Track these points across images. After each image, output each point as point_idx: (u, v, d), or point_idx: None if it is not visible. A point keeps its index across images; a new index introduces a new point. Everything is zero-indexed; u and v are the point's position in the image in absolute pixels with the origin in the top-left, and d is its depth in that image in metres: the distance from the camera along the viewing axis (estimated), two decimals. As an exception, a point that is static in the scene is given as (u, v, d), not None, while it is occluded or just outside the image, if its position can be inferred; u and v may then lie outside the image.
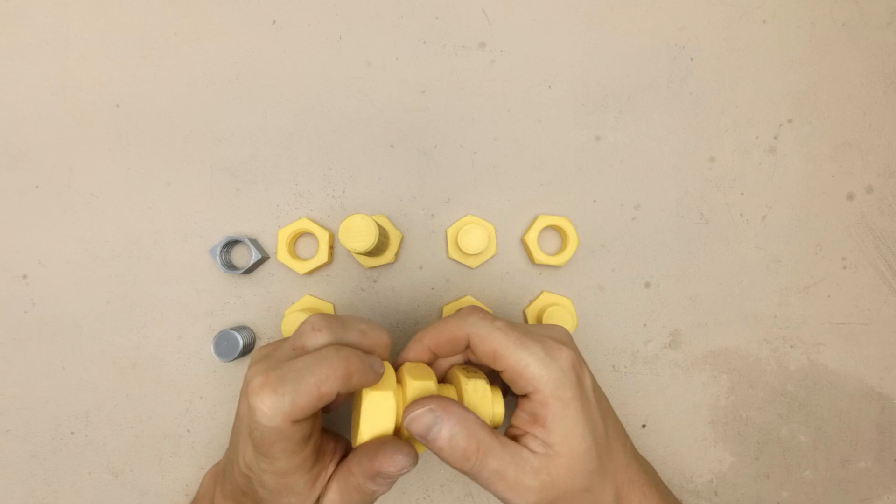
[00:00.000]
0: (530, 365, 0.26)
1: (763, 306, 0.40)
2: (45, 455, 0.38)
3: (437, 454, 0.25)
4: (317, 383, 0.23)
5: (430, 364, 0.29)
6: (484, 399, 0.27)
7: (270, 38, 0.39)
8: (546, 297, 0.38)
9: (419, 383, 0.26)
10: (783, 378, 0.40)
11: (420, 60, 0.40)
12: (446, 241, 0.39)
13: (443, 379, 0.30)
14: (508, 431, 0.28)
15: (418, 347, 0.29)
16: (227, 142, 0.39)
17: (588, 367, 0.29)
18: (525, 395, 0.27)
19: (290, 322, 0.36)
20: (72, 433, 0.38)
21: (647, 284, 0.40)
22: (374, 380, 0.26)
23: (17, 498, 0.38)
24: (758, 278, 0.40)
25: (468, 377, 0.28)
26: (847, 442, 0.40)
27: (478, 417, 0.26)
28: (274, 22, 0.39)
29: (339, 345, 0.25)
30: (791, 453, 0.40)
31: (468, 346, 0.28)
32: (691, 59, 0.40)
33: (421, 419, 0.25)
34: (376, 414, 0.25)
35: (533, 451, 0.26)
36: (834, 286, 0.40)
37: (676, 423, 0.40)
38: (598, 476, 0.27)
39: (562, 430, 0.26)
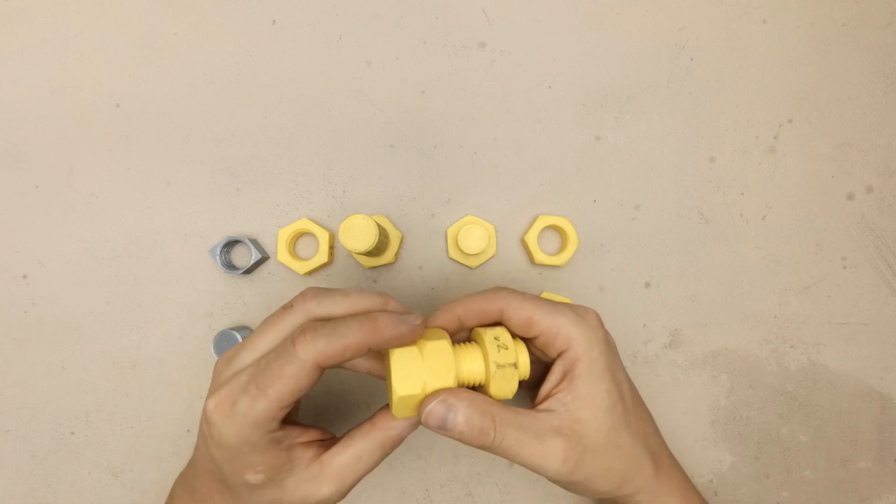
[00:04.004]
0: (564, 326, 0.27)
1: (763, 306, 0.40)
2: (45, 455, 0.38)
3: (458, 439, 0.26)
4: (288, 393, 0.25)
5: (454, 333, 0.30)
6: (506, 344, 0.27)
7: (270, 38, 0.39)
8: (546, 297, 0.38)
9: (434, 343, 0.26)
10: (783, 378, 0.40)
11: (420, 60, 0.40)
12: (446, 241, 0.39)
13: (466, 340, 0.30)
14: (538, 398, 0.28)
15: (448, 316, 0.29)
16: (227, 142, 0.39)
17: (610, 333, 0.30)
18: (557, 357, 0.28)
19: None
20: (72, 433, 0.38)
21: (647, 284, 0.40)
22: (408, 335, 0.26)
23: (17, 498, 0.38)
24: (758, 278, 0.40)
25: (488, 328, 0.28)
26: (847, 442, 0.40)
27: (488, 397, 0.27)
28: (274, 22, 0.39)
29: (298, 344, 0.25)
30: (791, 453, 0.40)
31: (498, 321, 0.29)
32: (691, 59, 0.40)
33: (435, 412, 0.25)
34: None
35: (552, 411, 0.27)
36: (834, 286, 0.40)
37: (676, 423, 0.40)
38: (628, 433, 0.27)
39: (588, 383, 0.27)
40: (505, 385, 0.27)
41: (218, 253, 0.37)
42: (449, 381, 0.26)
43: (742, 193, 0.40)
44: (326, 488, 0.27)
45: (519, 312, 0.28)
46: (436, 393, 0.26)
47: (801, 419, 0.40)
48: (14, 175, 0.39)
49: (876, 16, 0.40)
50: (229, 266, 0.38)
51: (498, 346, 0.27)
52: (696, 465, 0.40)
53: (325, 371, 0.26)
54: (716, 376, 0.40)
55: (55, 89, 0.39)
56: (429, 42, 0.40)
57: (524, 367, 0.28)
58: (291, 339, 0.25)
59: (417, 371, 0.26)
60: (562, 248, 0.39)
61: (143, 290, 0.39)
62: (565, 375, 0.27)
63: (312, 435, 0.28)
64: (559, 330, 0.27)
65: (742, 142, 0.40)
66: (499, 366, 0.26)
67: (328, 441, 0.29)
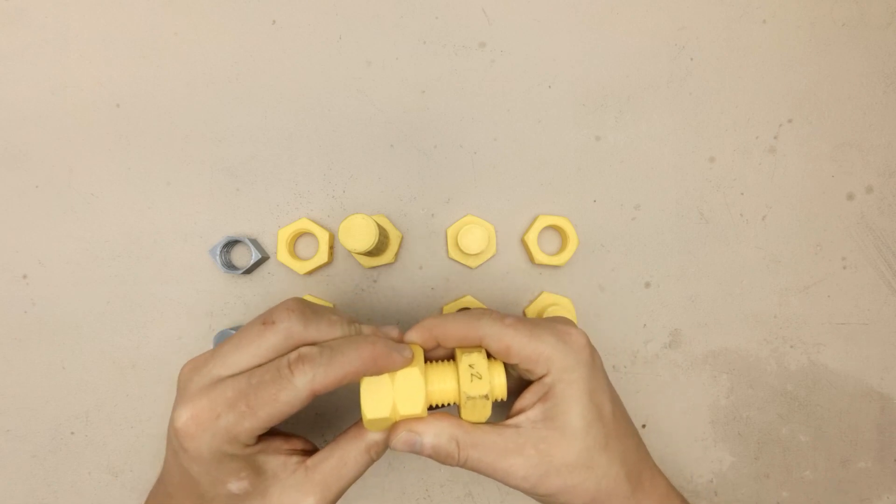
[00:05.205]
0: (543, 352, 0.27)
1: (763, 306, 0.40)
2: (45, 455, 0.38)
3: (430, 458, 0.28)
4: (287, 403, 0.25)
5: (431, 350, 0.30)
6: (480, 373, 0.27)
7: (270, 38, 0.39)
8: (546, 298, 0.38)
9: (405, 370, 0.27)
10: (783, 378, 0.40)
11: (420, 60, 0.40)
12: (446, 241, 0.39)
13: (448, 357, 0.30)
14: (511, 411, 0.29)
15: (425, 335, 0.29)
16: (227, 142, 0.39)
17: (596, 350, 0.30)
18: (537, 379, 0.28)
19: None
20: (72, 433, 0.38)
21: (647, 284, 0.40)
22: (399, 366, 0.27)
23: (17, 498, 0.38)
24: (758, 278, 0.40)
25: (465, 353, 0.28)
26: (847, 442, 0.40)
27: (455, 418, 0.27)
28: (274, 22, 0.39)
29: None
30: (791, 453, 0.40)
31: (479, 347, 0.29)
32: (691, 59, 0.40)
33: (404, 441, 0.27)
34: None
35: (519, 427, 0.27)
36: (834, 286, 0.40)
37: (676, 423, 0.40)
38: (603, 454, 0.27)
39: (563, 406, 0.27)
40: (476, 413, 0.27)
41: (218, 253, 0.37)
42: (417, 409, 0.26)
43: (742, 193, 0.40)
44: (311, 497, 0.26)
45: (498, 343, 0.27)
46: (404, 423, 0.27)
47: (801, 419, 0.40)
48: (14, 175, 0.39)
49: (876, 16, 0.40)
50: (229, 266, 0.38)
51: (472, 374, 0.27)
52: (696, 465, 0.40)
53: None
54: (716, 376, 0.40)
55: (55, 89, 0.39)
56: (429, 42, 0.40)
57: (499, 391, 0.28)
58: (288, 366, 0.25)
59: (387, 396, 0.26)
60: (562, 248, 0.39)
61: (143, 290, 0.39)
62: (540, 396, 0.27)
63: (296, 444, 0.28)
64: (538, 357, 0.27)
65: (742, 142, 0.40)
66: (469, 397, 0.27)
67: (312, 451, 0.29)
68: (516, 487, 0.27)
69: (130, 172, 0.39)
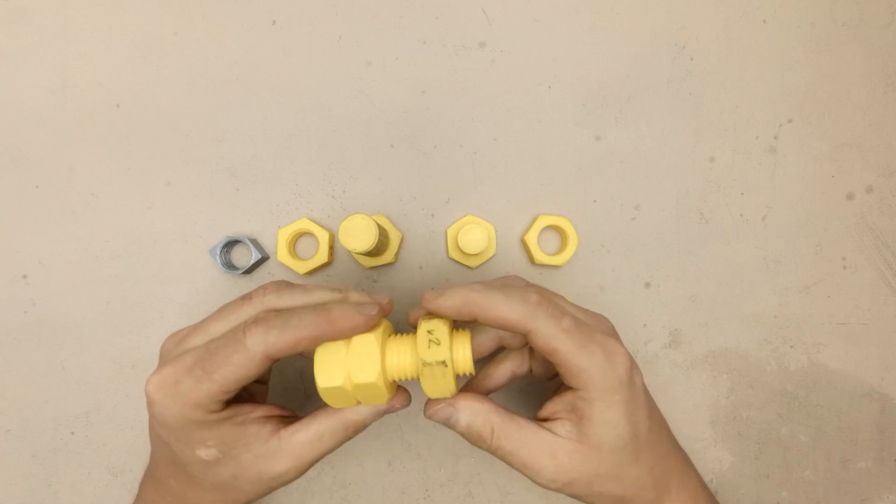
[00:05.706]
0: (589, 369, 0.26)
1: (763, 306, 0.40)
2: (45, 455, 0.38)
3: (460, 435, 0.28)
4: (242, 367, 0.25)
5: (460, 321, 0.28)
6: (439, 339, 0.25)
7: (270, 38, 0.39)
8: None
9: (360, 336, 0.25)
10: (783, 378, 0.40)
11: (420, 60, 0.40)
12: (446, 241, 0.39)
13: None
14: (542, 412, 0.28)
15: (458, 304, 0.26)
16: (227, 142, 0.39)
17: (637, 365, 0.29)
18: (572, 388, 0.27)
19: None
20: (72, 433, 0.38)
21: (647, 284, 0.40)
22: (363, 326, 0.25)
23: (17, 498, 0.38)
24: (758, 278, 0.40)
25: (425, 320, 0.26)
26: (847, 442, 0.40)
27: (495, 405, 0.27)
28: (274, 22, 0.39)
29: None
30: (791, 453, 0.40)
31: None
32: (691, 59, 0.40)
33: (439, 413, 0.27)
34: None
35: (556, 434, 0.27)
36: (834, 286, 0.40)
37: (676, 423, 0.40)
38: (633, 467, 0.28)
39: (599, 426, 0.27)
40: (436, 383, 0.25)
41: (218, 253, 0.37)
42: (371, 376, 0.25)
43: (742, 193, 0.40)
44: (283, 464, 0.26)
45: (546, 344, 0.26)
46: (454, 398, 0.27)
47: (801, 419, 0.40)
48: (14, 175, 0.39)
49: (876, 16, 0.40)
50: (229, 266, 0.38)
51: (430, 341, 0.25)
52: (696, 465, 0.40)
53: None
54: (716, 376, 0.40)
55: (55, 89, 0.39)
56: (429, 42, 0.40)
57: (462, 364, 0.26)
58: (243, 328, 0.25)
59: (341, 364, 0.25)
60: (562, 248, 0.39)
61: (143, 290, 0.39)
62: (575, 409, 0.27)
63: (267, 410, 0.28)
64: (581, 372, 0.26)
65: (742, 142, 0.40)
66: (426, 363, 0.25)
67: (289, 418, 0.28)
68: (540, 485, 0.27)
69: (130, 172, 0.39)
